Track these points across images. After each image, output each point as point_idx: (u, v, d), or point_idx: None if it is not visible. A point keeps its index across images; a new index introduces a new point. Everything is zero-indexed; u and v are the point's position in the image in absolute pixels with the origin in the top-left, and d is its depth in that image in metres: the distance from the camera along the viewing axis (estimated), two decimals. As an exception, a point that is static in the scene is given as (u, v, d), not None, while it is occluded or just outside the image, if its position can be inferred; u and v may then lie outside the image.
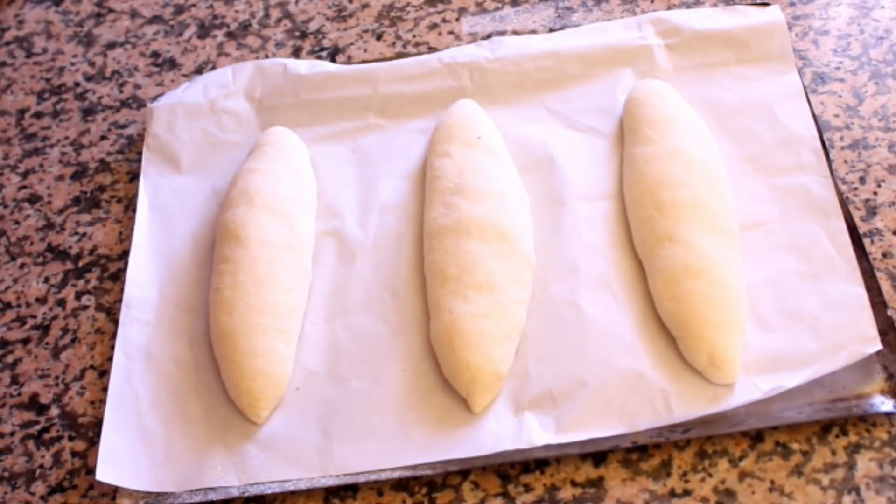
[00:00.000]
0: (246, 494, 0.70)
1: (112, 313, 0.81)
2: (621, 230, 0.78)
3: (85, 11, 1.05)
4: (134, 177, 0.90)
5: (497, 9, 0.97)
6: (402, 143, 0.87)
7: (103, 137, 0.94)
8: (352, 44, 0.97)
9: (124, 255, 0.84)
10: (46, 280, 0.85)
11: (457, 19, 0.97)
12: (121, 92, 0.97)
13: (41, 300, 0.83)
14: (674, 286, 0.72)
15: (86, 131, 0.95)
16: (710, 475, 0.67)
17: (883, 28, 0.89)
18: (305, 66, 0.91)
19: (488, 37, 0.93)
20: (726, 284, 0.71)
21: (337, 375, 0.74)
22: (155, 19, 1.03)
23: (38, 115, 0.97)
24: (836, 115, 0.83)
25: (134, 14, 1.03)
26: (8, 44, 1.03)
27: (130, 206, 0.88)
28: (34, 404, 0.78)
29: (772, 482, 0.66)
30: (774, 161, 0.80)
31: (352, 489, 0.70)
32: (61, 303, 0.83)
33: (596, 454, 0.69)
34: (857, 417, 0.68)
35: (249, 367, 0.73)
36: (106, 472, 0.71)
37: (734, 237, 0.75)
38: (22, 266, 0.86)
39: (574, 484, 0.68)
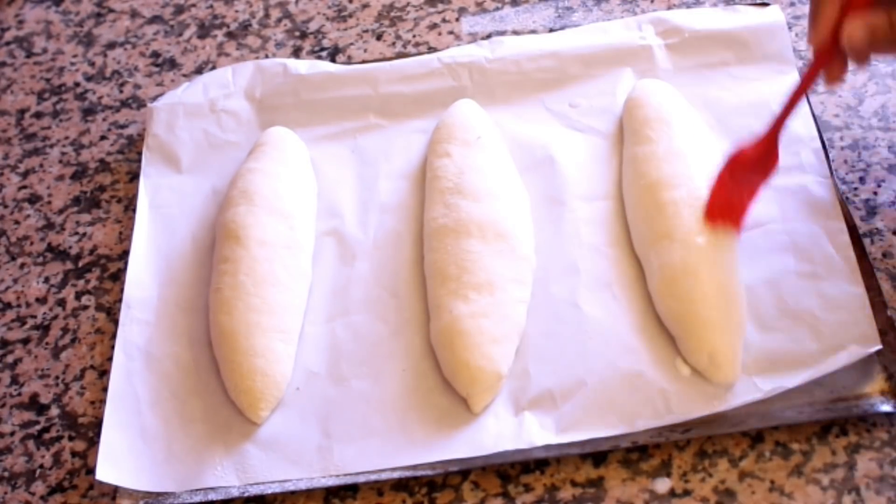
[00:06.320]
0: (246, 494, 0.70)
1: (112, 313, 0.81)
2: (621, 230, 0.78)
3: (85, 11, 1.05)
4: (134, 177, 0.90)
5: (497, 9, 0.96)
6: (402, 143, 0.87)
7: (103, 137, 0.94)
8: (352, 44, 0.97)
9: (124, 255, 0.84)
10: (46, 280, 0.85)
11: (457, 19, 0.97)
12: (121, 92, 0.97)
13: (41, 300, 0.83)
14: (673, 286, 0.72)
15: (86, 131, 0.94)
16: (710, 475, 0.67)
17: (883, 28, 0.89)
18: (305, 66, 0.91)
19: (488, 37, 0.93)
20: (726, 284, 0.71)
21: (337, 375, 0.74)
22: (155, 19, 1.03)
23: (38, 115, 0.97)
24: (836, 115, 0.83)
25: (134, 14, 1.03)
26: (8, 44, 1.03)
27: (130, 206, 0.88)
28: (34, 404, 0.78)
29: (772, 482, 0.66)
30: (774, 161, 0.80)
31: (352, 489, 0.70)
32: (61, 303, 0.83)
33: (596, 454, 0.69)
34: (857, 417, 0.68)
35: (249, 367, 0.73)
36: (106, 471, 0.71)
37: (734, 237, 0.74)
38: (22, 266, 0.86)
39: (574, 484, 0.68)
